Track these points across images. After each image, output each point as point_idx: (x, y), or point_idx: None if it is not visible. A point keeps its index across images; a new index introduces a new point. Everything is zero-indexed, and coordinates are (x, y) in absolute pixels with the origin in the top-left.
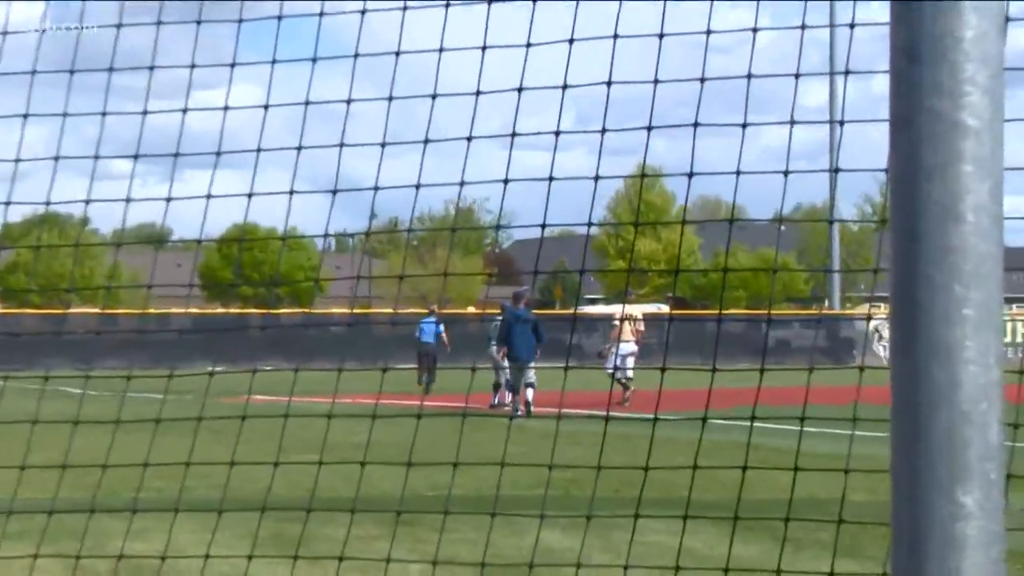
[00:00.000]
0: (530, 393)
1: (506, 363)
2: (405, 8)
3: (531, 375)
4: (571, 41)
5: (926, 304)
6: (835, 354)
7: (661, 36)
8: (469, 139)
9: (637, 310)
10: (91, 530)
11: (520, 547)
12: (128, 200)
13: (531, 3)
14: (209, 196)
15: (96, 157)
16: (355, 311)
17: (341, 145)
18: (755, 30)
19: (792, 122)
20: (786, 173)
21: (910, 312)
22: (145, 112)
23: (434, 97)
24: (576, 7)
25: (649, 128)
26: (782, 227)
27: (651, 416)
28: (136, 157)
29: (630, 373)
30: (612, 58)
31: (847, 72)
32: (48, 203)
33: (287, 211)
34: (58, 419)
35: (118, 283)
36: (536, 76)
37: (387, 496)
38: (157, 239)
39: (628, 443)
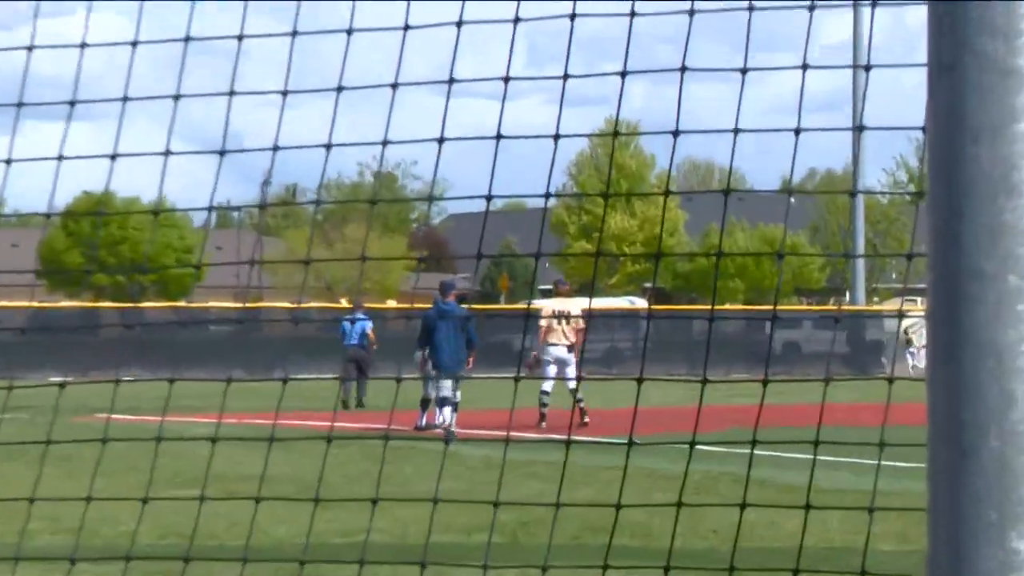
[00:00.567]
0: (448, 413)
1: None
2: None
3: (452, 390)
4: None
5: (973, 299)
6: (858, 362)
7: None
8: (394, 86)
9: (573, 305)
10: None
11: None
12: None
13: None
14: (61, 158)
15: None
16: (244, 305)
17: (231, 94)
18: None
19: (805, 66)
20: (797, 131)
21: (953, 309)
22: None
23: (349, 33)
24: None
25: (624, 74)
26: (792, 199)
27: (623, 440)
28: None
29: (572, 385)
30: None
31: (875, 2)
32: None
33: (161, 176)
34: None
35: None
36: (479, 7)
37: (285, 544)
38: None
39: (593, 476)
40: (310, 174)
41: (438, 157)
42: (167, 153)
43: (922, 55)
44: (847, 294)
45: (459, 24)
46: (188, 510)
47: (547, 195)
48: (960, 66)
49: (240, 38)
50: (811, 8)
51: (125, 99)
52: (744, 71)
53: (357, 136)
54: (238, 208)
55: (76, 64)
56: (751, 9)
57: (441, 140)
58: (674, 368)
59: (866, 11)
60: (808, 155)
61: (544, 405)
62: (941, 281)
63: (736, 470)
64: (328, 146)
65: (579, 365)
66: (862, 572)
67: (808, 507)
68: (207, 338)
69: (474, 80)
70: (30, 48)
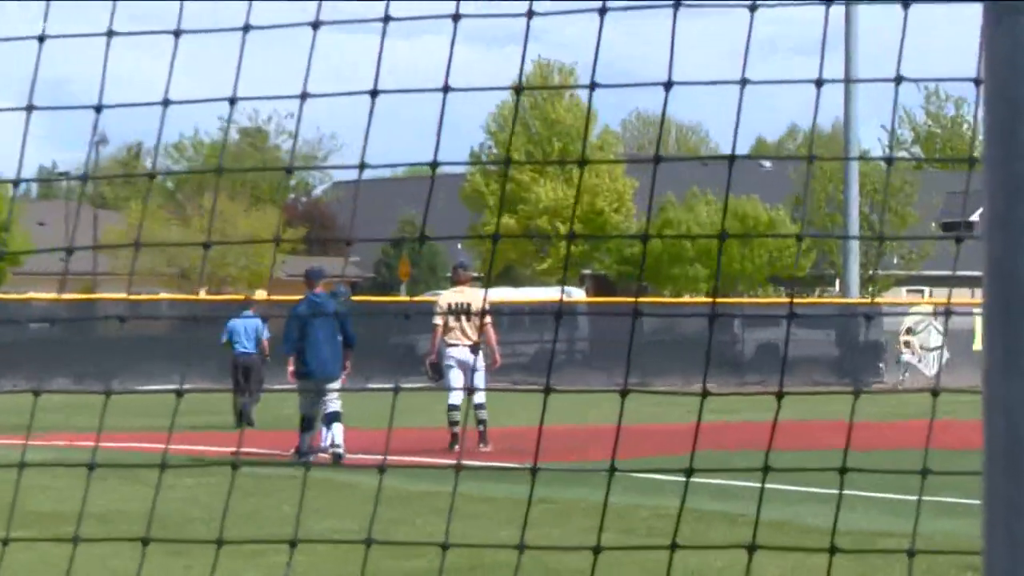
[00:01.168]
0: (337, 431)
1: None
2: None
3: (335, 402)
4: None
5: None
6: (850, 368)
7: None
8: (245, 30)
9: (475, 296)
10: None
11: None
12: None
13: None
14: None
15: None
16: (73, 296)
17: (41, 38)
18: None
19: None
20: (743, 83)
21: (1013, 310)
22: None
23: None
24: None
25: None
26: (767, 164)
27: (559, 467)
28: None
29: (480, 398)
30: None
31: None
32: None
33: None
34: None
35: None
36: None
37: None
38: None
39: (519, 511)
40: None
41: (297, 110)
42: None
43: None
44: (837, 284)
45: None
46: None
47: (506, 163)
48: None
49: None
50: None
51: None
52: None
53: (216, 86)
54: (65, 176)
55: None
56: None
57: (303, 97)
58: (619, 376)
59: None
60: (789, 107)
61: (455, 423)
62: (998, 276)
63: (701, 504)
64: (165, 103)
65: (489, 371)
66: None
67: (834, 550)
68: (24, 340)
69: (360, 21)
70: None
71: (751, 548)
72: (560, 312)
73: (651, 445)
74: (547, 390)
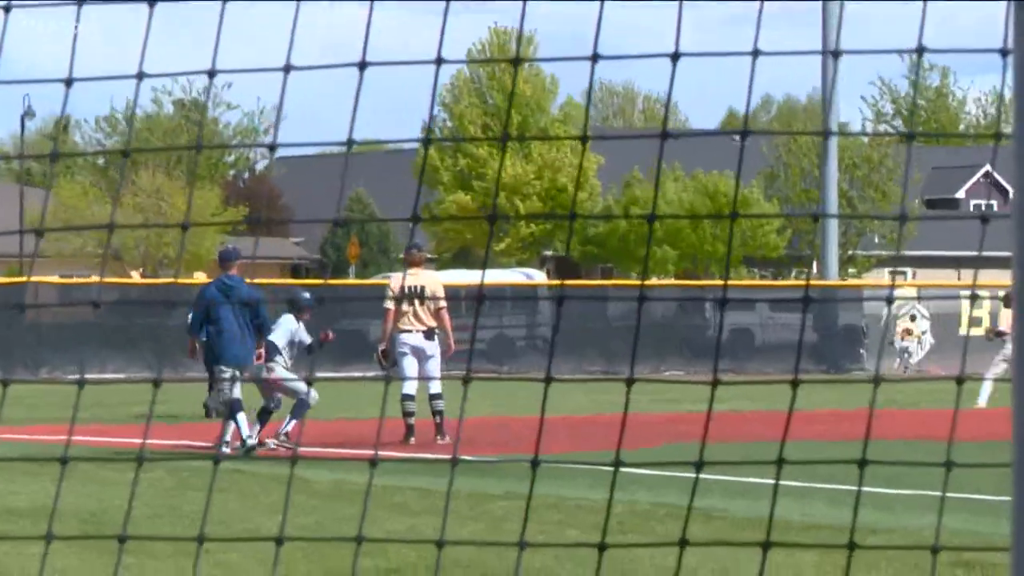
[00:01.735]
0: (241, 420)
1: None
2: None
3: (237, 389)
4: None
5: None
6: (829, 355)
7: None
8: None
9: (431, 279)
10: None
11: None
12: None
13: None
14: None
15: None
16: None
17: None
18: None
19: None
20: (755, 55)
21: None
22: None
23: None
24: None
25: None
26: (736, 138)
27: (524, 459)
28: None
29: (435, 387)
30: None
31: None
32: None
33: None
34: None
35: None
36: None
37: None
38: None
39: (481, 507)
40: (85, 103)
41: (283, 89)
42: None
43: None
44: (814, 265)
45: None
46: None
47: (427, 140)
48: None
49: None
50: None
51: None
52: None
53: (159, 58)
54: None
55: None
56: None
57: (212, 73)
58: (586, 363)
59: None
60: (764, 79)
61: (410, 414)
62: None
63: (674, 500)
64: (83, 79)
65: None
66: None
67: (853, 546)
68: None
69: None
70: None
71: (682, 543)
72: (563, 297)
73: (620, 436)
74: (547, 379)
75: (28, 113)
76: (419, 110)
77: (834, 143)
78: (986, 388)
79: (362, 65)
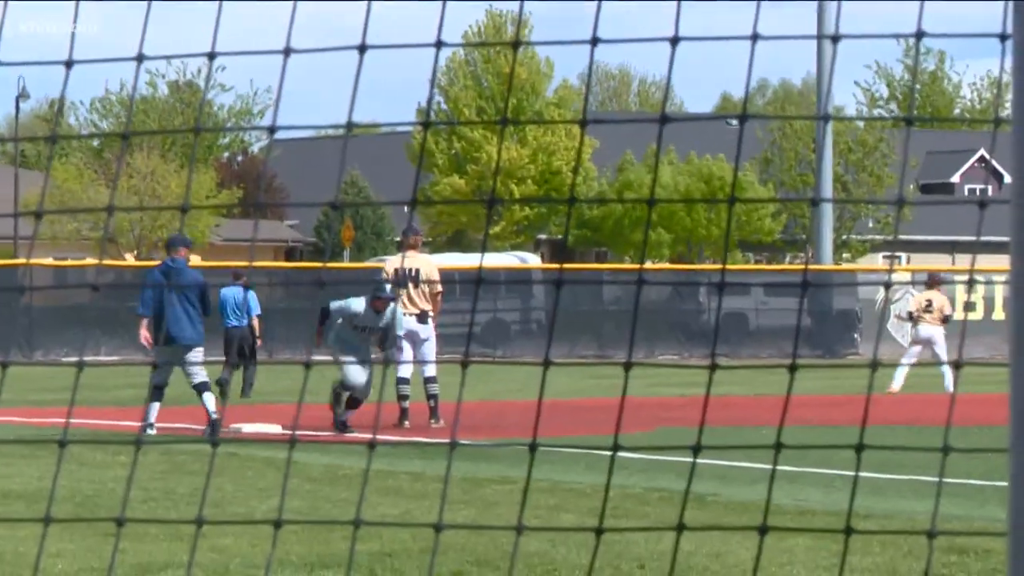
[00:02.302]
0: (208, 400)
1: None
2: None
3: (199, 374)
4: None
5: None
6: (824, 340)
7: None
8: None
9: (426, 262)
10: None
11: None
12: None
13: None
14: None
15: None
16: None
17: None
18: None
19: None
20: (754, 39)
21: None
22: None
23: None
24: None
25: None
26: (732, 122)
27: (522, 443)
28: None
29: (430, 371)
30: None
31: None
32: None
33: None
34: None
35: None
36: None
37: None
38: None
39: (477, 492)
40: (80, 86)
41: (283, 73)
42: None
43: None
44: (809, 249)
45: None
46: None
47: (427, 123)
48: None
49: None
50: None
51: None
52: None
53: (154, 36)
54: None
55: None
56: None
57: (212, 55)
58: (580, 347)
59: None
60: (757, 62)
61: (404, 397)
62: None
63: (668, 484)
64: (68, 62)
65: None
66: None
67: (766, 529)
68: None
69: None
70: None
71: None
72: (560, 281)
73: (611, 421)
74: (546, 363)
75: (23, 95)
76: (414, 93)
77: (830, 127)
78: (900, 374)
79: (362, 48)
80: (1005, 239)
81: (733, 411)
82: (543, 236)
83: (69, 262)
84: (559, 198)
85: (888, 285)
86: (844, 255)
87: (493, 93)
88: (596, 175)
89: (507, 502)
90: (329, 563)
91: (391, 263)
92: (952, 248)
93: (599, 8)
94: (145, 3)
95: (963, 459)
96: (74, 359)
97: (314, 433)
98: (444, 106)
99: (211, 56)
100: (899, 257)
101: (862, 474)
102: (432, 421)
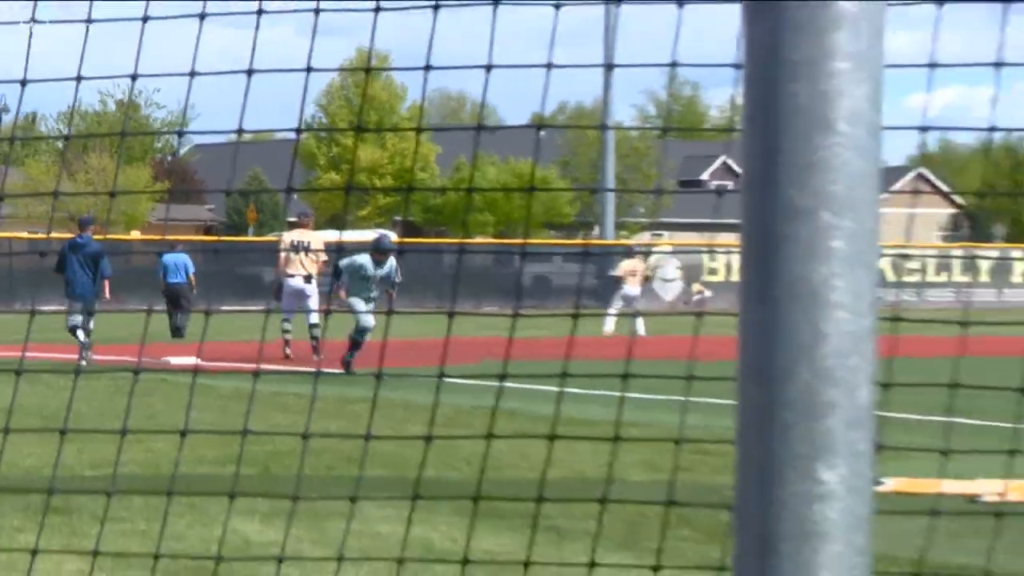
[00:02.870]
0: (82, 336)
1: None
2: None
3: (82, 319)
4: None
5: (786, 236)
6: (606, 296)
7: None
8: (145, 20)
9: (314, 237)
10: None
11: (207, 539)
12: None
13: None
14: None
15: None
16: None
17: None
18: None
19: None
20: (549, 67)
21: (765, 245)
22: None
23: None
24: None
25: (377, 11)
26: (542, 133)
27: (372, 371)
28: None
29: (314, 318)
30: None
31: None
32: None
33: None
34: None
35: None
36: None
37: (33, 475)
38: None
39: (346, 408)
40: (50, 102)
41: (189, 90)
42: None
43: None
44: (596, 228)
45: None
46: None
47: (299, 129)
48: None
49: None
50: None
51: None
52: (497, 1)
53: (101, 63)
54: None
55: None
56: None
57: (192, 74)
58: (425, 301)
59: None
60: (560, 87)
61: (286, 332)
62: (753, 217)
63: (488, 403)
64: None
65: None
66: (600, 501)
67: (555, 437)
68: None
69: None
70: None
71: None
72: (403, 250)
73: (461, 355)
74: (389, 312)
75: (3, 109)
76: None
77: (611, 136)
78: (609, 321)
79: (249, 72)
80: (738, 221)
81: (536, 348)
82: (398, 218)
83: (38, 235)
84: (401, 187)
85: (647, 255)
86: (622, 232)
87: (360, 109)
88: (439, 174)
89: (368, 416)
90: (234, 460)
91: (287, 236)
92: (701, 228)
93: (431, 42)
94: (95, 27)
95: (708, 385)
96: (29, 308)
97: (223, 365)
98: (324, 119)
99: (133, 77)
100: (662, 234)
101: (629, 395)
102: (315, 356)
